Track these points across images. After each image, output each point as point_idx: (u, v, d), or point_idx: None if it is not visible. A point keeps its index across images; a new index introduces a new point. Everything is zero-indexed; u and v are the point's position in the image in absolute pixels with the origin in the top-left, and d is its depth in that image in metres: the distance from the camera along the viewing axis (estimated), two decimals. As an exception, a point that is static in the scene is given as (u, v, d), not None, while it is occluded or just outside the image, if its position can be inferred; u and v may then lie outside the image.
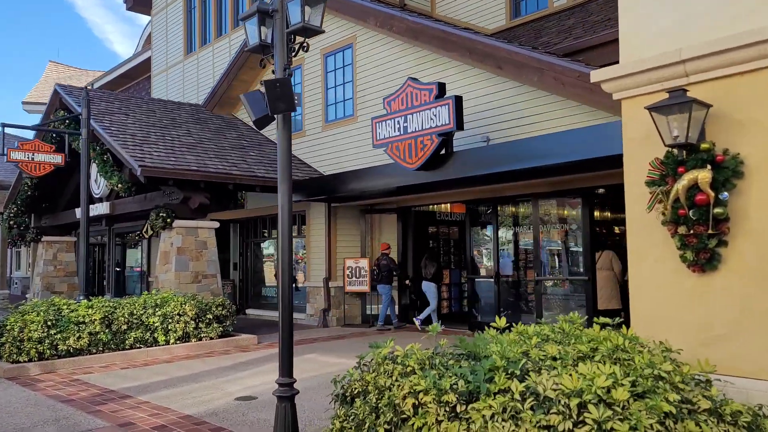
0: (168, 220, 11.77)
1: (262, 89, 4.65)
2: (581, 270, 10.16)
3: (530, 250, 11.18)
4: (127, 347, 9.85)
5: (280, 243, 4.67)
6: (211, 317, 10.72)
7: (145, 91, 23.25)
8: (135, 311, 10.05)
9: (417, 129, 9.63)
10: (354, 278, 13.43)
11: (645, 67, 4.50)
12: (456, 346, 4.27)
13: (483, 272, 12.00)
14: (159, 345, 10.14)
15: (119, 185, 11.97)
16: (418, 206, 13.87)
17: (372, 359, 4.36)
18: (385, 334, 11.75)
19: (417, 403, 3.60)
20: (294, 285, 15.29)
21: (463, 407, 3.41)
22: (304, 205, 14.29)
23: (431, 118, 9.38)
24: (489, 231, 11.70)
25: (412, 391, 3.66)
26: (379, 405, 3.83)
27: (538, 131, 9.60)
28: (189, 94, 19.35)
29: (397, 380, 3.87)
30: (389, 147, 10.16)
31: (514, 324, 4.56)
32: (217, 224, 12.54)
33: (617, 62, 4.87)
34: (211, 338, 10.70)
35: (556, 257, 10.65)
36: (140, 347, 9.99)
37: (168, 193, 12.17)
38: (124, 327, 9.85)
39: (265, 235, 16.34)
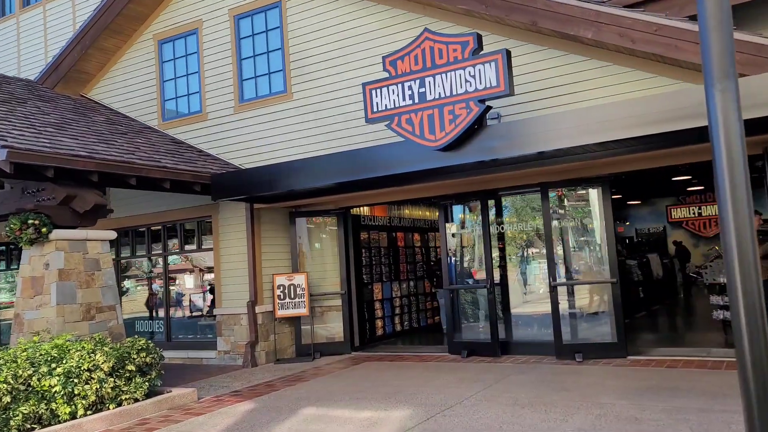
0: (43, 229, 7.88)
1: None
2: (605, 271, 8.67)
3: (535, 252, 9.47)
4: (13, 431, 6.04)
5: (731, 206, 2.20)
6: (132, 369, 7.21)
7: None
8: (20, 372, 6.26)
9: (443, 95, 7.33)
10: (288, 299, 10.52)
11: None
12: None
13: (469, 281, 9.97)
14: (62, 422, 6.42)
15: (-43, 179, 7.76)
16: (355, 207, 11.45)
17: None
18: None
19: None
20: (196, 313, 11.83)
21: None
22: (208, 210, 11.02)
23: (467, 80, 7.17)
24: (474, 229, 9.74)
25: None
26: None
27: (571, 103, 7.96)
28: (5, 70, 14.49)
29: None
30: (395, 120, 7.70)
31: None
32: (113, 234, 8.83)
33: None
34: (137, 400, 7.18)
35: (570, 258, 9.04)
36: (34, 428, 6.21)
37: (33, 191, 8.25)
38: (7, 399, 6.04)
39: (142, 252, 12.46)
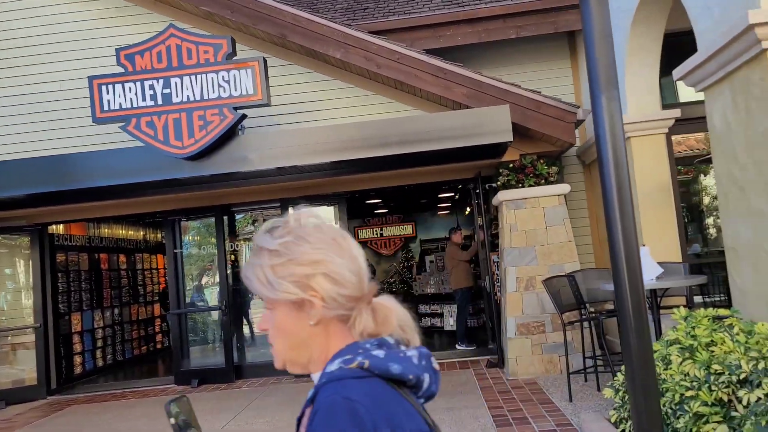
0: None
1: None
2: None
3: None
4: None
5: (617, 204, 2.27)
6: None
7: None
8: None
9: (192, 99, 6.63)
10: (-40, 339, 8.33)
11: None
12: None
13: (201, 303, 9.18)
14: None
15: None
16: (57, 223, 9.75)
17: None
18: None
19: None
20: None
21: None
22: None
23: (220, 85, 6.61)
24: (208, 247, 9.06)
25: None
26: None
27: (322, 120, 8.02)
28: None
29: None
30: (133, 122, 6.68)
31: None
32: None
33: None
34: None
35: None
36: None
37: None
38: None
39: None
